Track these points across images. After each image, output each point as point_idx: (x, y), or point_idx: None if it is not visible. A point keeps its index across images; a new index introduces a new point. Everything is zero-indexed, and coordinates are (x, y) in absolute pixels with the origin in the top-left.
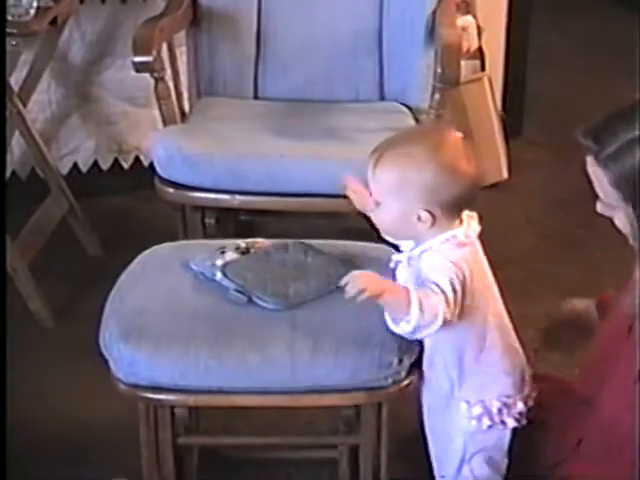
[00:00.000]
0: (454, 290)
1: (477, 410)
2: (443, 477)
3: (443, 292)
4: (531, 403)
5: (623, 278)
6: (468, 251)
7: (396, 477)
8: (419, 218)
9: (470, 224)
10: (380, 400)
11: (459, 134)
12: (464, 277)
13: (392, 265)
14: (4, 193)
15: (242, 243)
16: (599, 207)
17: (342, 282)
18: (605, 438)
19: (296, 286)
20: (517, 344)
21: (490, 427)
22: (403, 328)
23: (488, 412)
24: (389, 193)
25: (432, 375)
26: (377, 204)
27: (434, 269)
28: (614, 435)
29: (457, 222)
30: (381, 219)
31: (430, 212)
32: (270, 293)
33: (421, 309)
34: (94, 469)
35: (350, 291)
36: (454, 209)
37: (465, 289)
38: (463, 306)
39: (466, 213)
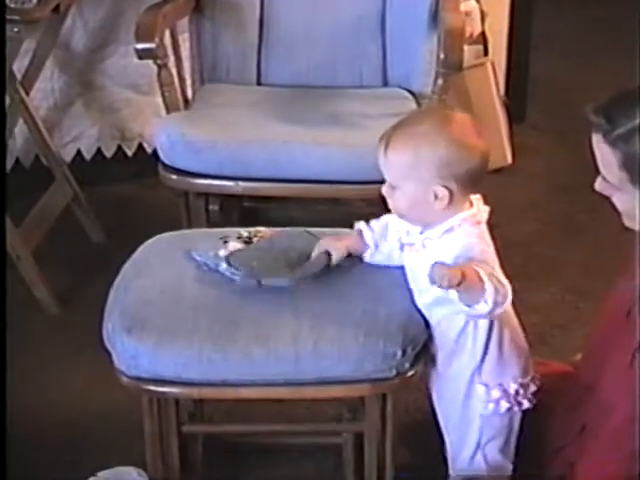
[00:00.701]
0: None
1: (496, 394)
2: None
3: (487, 263)
4: (538, 383)
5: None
6: (484, 230)
7: (401, 463)
8: (436, 196)
9: (480, 204)
10: (385, 391)
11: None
12: (489, 252)
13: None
14: (4, 183)
15: (244, 232)
16: (598, 185)
17: (430, 278)
18: (604, 423)
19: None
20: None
21: (508, 410)
22: (480, 310)
23: (506, 395)
24: (404, 175)
25: (455, 360)
26: (392, 188)
27: (469, 248)
28: (612, 421)
29: (468, 204)
30: (398, 203)
31: (447, 187)
32: (278, 274)
33: (495, 287)
34: (97, 457)
35: (442, 284)
36: (468, 184)
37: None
38: None
39: (474, 197)
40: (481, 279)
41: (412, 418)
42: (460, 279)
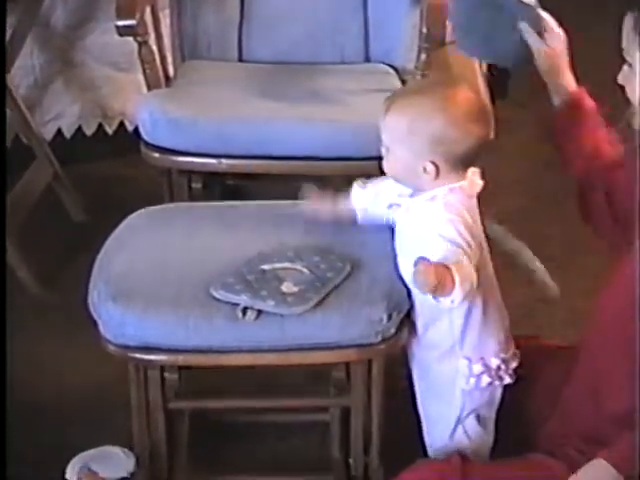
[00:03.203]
0: (468, 244)
1: (478, 368)
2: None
3: (460, 246)
4: (518, 359)
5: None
6: (472, 204)
7: (387, 437)
8: (424, 169)
9: (474, 178)
10: (370, 357)
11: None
12: (470, 228)
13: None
14: (4, 171)
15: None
16: (622, 75)
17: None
18: (586, 390)
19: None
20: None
21: (489, 384)
22: (444, 303)
23: (488, 369)
24: (398, 140)
25: (433, 332)
26: (387, 150)
27: (443, 225)
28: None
29: (461, 177)
30: (389, 165)
31: (435, 164)
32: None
33: (462, 286)
34: (83, 434)
35: (423, 290)
36: (459, 164)
37: (474, 239)
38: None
39: (471, 169)
40: (453, 283)
41: (397, 390)
42: (436, 286)
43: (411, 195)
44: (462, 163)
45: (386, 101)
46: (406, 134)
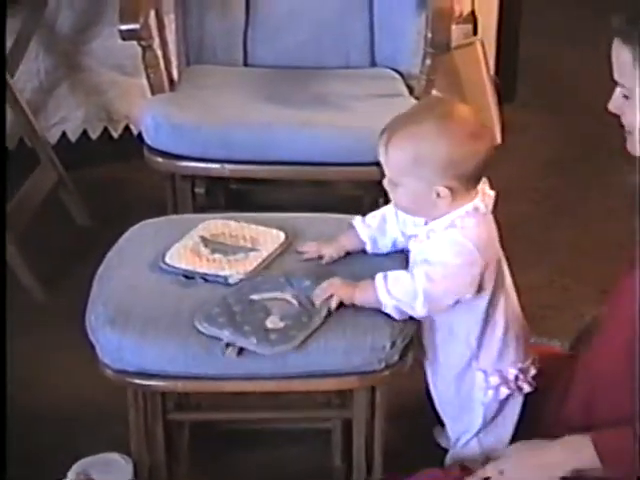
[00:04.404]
0: (461, 265)
1: (495, 380)
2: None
3: (445, 265)
4: (538, 366)
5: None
6: (489, 220)
7: (389, 449)
8: (438, 195)
9: (485, 191)
10: (373, 384)
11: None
12: (486, 248)
13: (367, 230)
14: (4, 162)
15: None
16: (612, 102)
17: (314, 295)
18: (590, 390)
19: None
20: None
21: (508, 396)
22: (393, 314)
23: (505, 381)
24: (405, 173)
25: (449, 348)
26: (394, 184)
27: (451, 246)
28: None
29: (474, 193)
30: (399, 199)
31: (449, 188)
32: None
33: (390, 294)
34: (82, 442)
35: (318, 298)
36: (472, 180)
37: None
38: (484, 279)
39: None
40: (377, 295)
41: (402, 402)
42: (348, 295)
43: (425, 223)
44: (474, 180)
45: (383, 136)
46: (413, 165)
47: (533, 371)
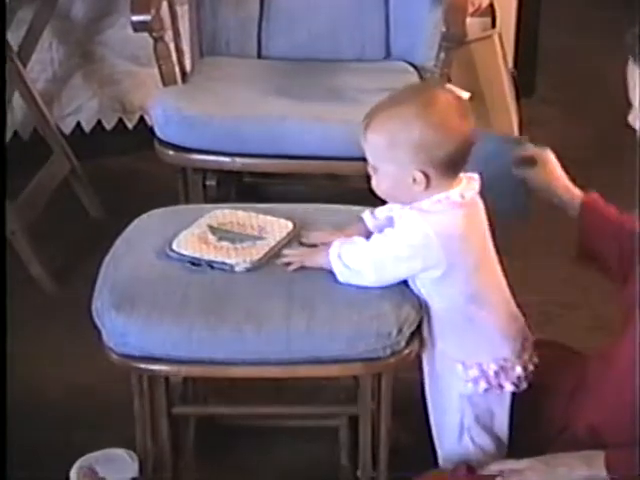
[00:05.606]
0: (412, 245)
1: (473, 372)
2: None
3: (395, 239)
4: (531, 368)
5: None
6: (462, 213)
7: (396, 444)
8: (414, 180)
9: (469, 184)
10: (379, 371)
11: (455, 92)
12: (438, 239)
13: (374, 221)
14: (4, 157)
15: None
16: (631, 117)
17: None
18: (611, 398)
19: None
20: (516, 310)
21: (487, 390)
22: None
23: (485, 375)
24: (382, 157)
25: (440, 339)
26: (374, 170)
27: (406, 224)
28: (619, 395)
29: (454, 183)
30: (379, 185)
31: (424, 172)
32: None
33: (341, 259)
34: (88, 435)
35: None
36: (448, 168)
37: (441, 250)
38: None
39: (467, 174)
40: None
41: (408, 397)
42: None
43: (402, 208)
44: (450, 167)
45: (364, 120)
46: (389, 148)
47: (519, 371)
